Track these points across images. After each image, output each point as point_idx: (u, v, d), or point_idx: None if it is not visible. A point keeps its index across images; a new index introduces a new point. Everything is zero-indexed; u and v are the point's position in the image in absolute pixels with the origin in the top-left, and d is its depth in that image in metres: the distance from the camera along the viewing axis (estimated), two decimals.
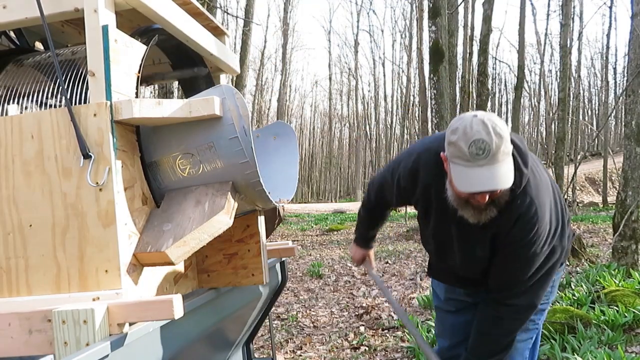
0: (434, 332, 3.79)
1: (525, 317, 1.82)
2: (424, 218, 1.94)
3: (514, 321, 1.82)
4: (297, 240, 11.69)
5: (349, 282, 6.72)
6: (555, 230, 1.75)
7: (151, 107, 1.43)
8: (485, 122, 1.50)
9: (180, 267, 1.71)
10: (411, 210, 12.90)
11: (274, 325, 4.60)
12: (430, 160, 1.78)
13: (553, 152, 12.99)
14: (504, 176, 1.51)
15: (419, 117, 21.20)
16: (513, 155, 1.59)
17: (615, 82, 33.37)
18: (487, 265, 1.82)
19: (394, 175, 1.93)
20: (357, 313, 5.02)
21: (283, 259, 2.56)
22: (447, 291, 2.15)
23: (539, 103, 28.19)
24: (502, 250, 1.75)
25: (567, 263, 6.26)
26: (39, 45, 2.03)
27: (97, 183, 1.36)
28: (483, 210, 1.62)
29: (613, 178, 21.65)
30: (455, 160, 1.53)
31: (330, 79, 43.61)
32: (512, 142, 1.64)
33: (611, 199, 18.20)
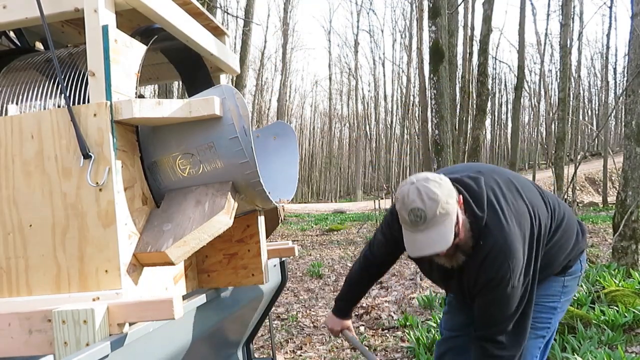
0: (433, 332, 3.79)
1: (514, 351, 1.79)
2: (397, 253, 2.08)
3: (502, 356, 1.78)
4: (297, 240, 11.69)
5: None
6: (528, 260, 1.75)
7: (151, 107, 1.43)
8: (420, 189, 1.63)
9: (180, 267, 1.71)
10: None
11: (274, 325, 4.60)
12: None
13: (553, 152, 12.97)
14: (441, 238, 1.63)
15: (419, 117, 21.19)
16: (466, 201, 1.73)
17: (615, 82, 33.39)
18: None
19: (391, 226, 1.99)
20: (357, 313, 5.01)
21: (283, 259, 2.56)
22: None
23: (539, 103, 28.17)
24: (478, 294, 1.78)
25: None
26: (39, 45, 2.03)
27: (97, 183, 1.36)
28: (452, 257, 1.74)
29: (613, 178, 21.65)
30: (404, 225, 1.69)
31: (330, 79, 43.64)
32: (465, 186, 1.76)
33: (611, 199, 18.20)
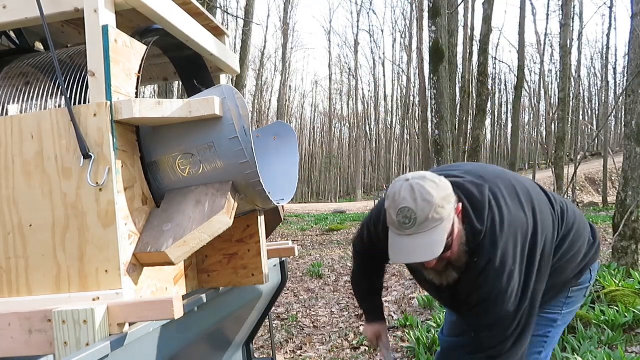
0: (433, 332, 3.79)
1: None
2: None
3: None
4: (297, 240, 11.69)
5: (349, 282, 6.72)
6: (526, 280, 1.60)
7: (151, 107, 1.43)
8: (414, 187, 1.46)
9: (180, 267, 1.71)
10: None
11: (274, 325, 4.60)
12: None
13: (553, 152, 12.98)
14: (429, 247, 1.45)
15: (419, 117, 21.20)
16: (466, 210, 1.56)
17: (615, 82, 33.44)
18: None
19: (377, 224, 1.84)
20: (357, 313, 5.01)
21: (283, 259, 2.56)
22: None
23: (539, 103, 28.19)
24: (472, 313, 1.65)
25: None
26: (39, 45, 2.03)
27: (97, 183, 1.36)
28: (443, 273, 1.59)
29: (613, 178, 21.64)
30: (390, 226, 1.52)
31: (330, 79, 43.69)
32: (467, 193, 1.59)
33: (611, 199, 18.20)
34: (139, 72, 1.53)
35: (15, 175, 1.42)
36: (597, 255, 1.86)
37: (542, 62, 19.00)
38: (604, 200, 19.42)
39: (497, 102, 39.35)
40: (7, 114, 1.56)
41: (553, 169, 11.90)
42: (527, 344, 1.66)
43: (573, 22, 17.78)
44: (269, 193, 1.62)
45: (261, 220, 1.92)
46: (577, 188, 19.70)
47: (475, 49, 15.74)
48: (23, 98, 1.59)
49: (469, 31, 17.67)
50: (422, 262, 1.53)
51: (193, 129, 1.51)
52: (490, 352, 1.63)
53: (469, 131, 14.98)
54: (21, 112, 1.57)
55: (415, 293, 5.58)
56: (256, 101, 33.39)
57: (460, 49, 16.68)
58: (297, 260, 8.62)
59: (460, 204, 1.56)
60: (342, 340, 4.19)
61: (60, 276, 1.38)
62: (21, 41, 1.90)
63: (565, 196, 10.57)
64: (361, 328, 4.47)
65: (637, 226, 5.32)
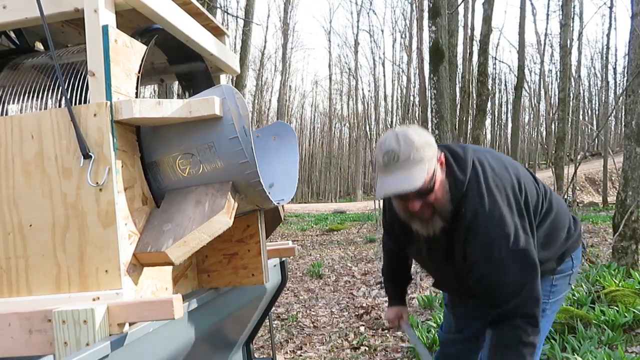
0: (433, 332, 3.79)
1: (534, 317, 1.66)
2: (401, 239, 1.98)
3: (527, 326, 1.65)
4: (297, 240, 11.69)
5: (349, 282, 6.72)
6: (519, 228, 1.66)
7: (151, 107, 1.43)
8: (398, 133, 1.62)
9: (180, 267, 1.71)
10: None
11: (274, 325, 4.60)
12: None
13: (553, 152, 12.98)
14: (410, 179, 1.57)
15: (419, 117, 21.20)
16: (448, 162, 1.69)
17: (615, 82, 33.44)
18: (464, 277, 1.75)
19: (385, 214, 2.05)
20: (357, 313, 5.02)
21: (283, 259, 2.56)
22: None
23: (539, 103, 28.20)
24: (475, 268, 1.68)
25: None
26: (39, 45, 2.03)
27: (97, 183, 1.36)
28: (429, 221, 1.67)
29: (613, 178, 21.63)
30: (377, 171, 1.65)
31: (330, 79, 43.65)
32: (451, 150, 1.74)
33: (611, 199, 18.19)
34: (139, 72, 1.53)
35: (15, 175, 1.42)
36: (578, 243, 1.95)
37: (542, 62, 18.95)
38: (604, 200, 19.41)
39: (497, 102, 39.35)
40: (7, 113, 1.56)
41: (553, 169, 11.90)
42: (539, 288, 1.67)
43: (573, 22, 17.78)
44: (269, 193, 1.62)
45: (261, 220, 1.91)
46: (577, 188, 19.70)
47: (475, 49, 15.73)
48: (23, 98, 1.59)
49: (469, 31, 17.65)
50: (409, 213, 1.67)
51: (193, 129, 1.51)
52: (514, 302, 1.64)
53: (469, 131, 14.97)
54: (21, 112, 1.57)
55: (415, 293, 5.58)
56: (256, 101, 33.39)
57: (460, 49, 16.67)
58: (297, 260, 8.63)
59: (444, 155, 1.70)
60: (342, 340, 4.19)
61: (60, 276, 1.38)
62: (21, 41, 1.90)
63: (565, 196, 10.56)
64: (361, 328, 4.47)
65: (637, 226, 5.32)
